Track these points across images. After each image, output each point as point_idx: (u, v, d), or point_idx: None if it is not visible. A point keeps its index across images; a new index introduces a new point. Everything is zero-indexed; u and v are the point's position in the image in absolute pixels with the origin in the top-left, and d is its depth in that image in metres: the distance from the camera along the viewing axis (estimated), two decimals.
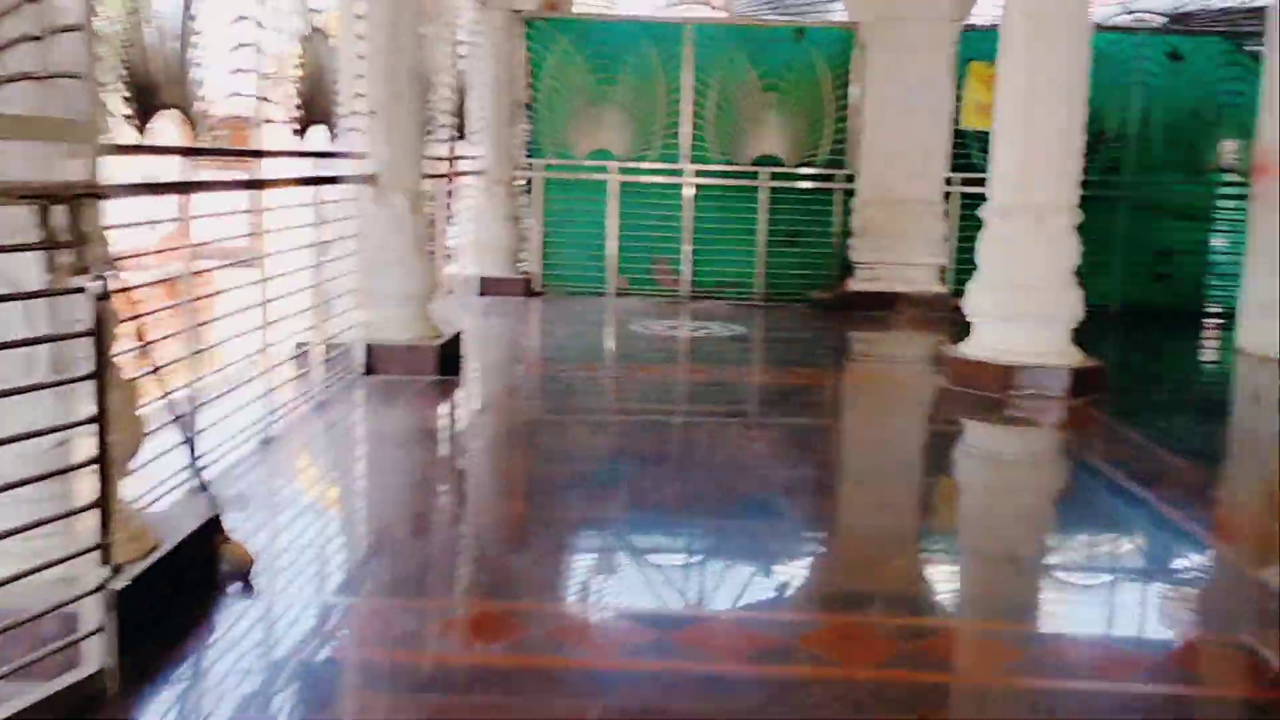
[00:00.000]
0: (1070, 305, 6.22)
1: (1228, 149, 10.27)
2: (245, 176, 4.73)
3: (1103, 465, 4.78)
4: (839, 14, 11.30)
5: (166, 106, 3.61)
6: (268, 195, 4.79)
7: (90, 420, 2.33)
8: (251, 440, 4.66)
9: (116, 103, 3.34)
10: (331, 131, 5.64)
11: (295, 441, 4.87)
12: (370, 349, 6.14)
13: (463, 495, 4.37)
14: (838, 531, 4.00)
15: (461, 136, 9.27)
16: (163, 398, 3.27)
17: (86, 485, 2.40)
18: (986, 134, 10.15)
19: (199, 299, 3.99)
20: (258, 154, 4.53)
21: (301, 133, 5.16)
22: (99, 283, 2.30)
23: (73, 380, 2.30)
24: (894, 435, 5.74)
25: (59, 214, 2.27)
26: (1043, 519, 4.39)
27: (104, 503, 2.37)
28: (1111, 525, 4.14)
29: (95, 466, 2.35)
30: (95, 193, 2.35)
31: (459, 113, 9.10)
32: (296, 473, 4.50)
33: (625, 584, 3.31)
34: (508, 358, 7.61)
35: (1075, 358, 6.25)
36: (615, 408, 5.95)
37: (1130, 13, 11.34)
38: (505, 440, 5.27)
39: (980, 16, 10.31)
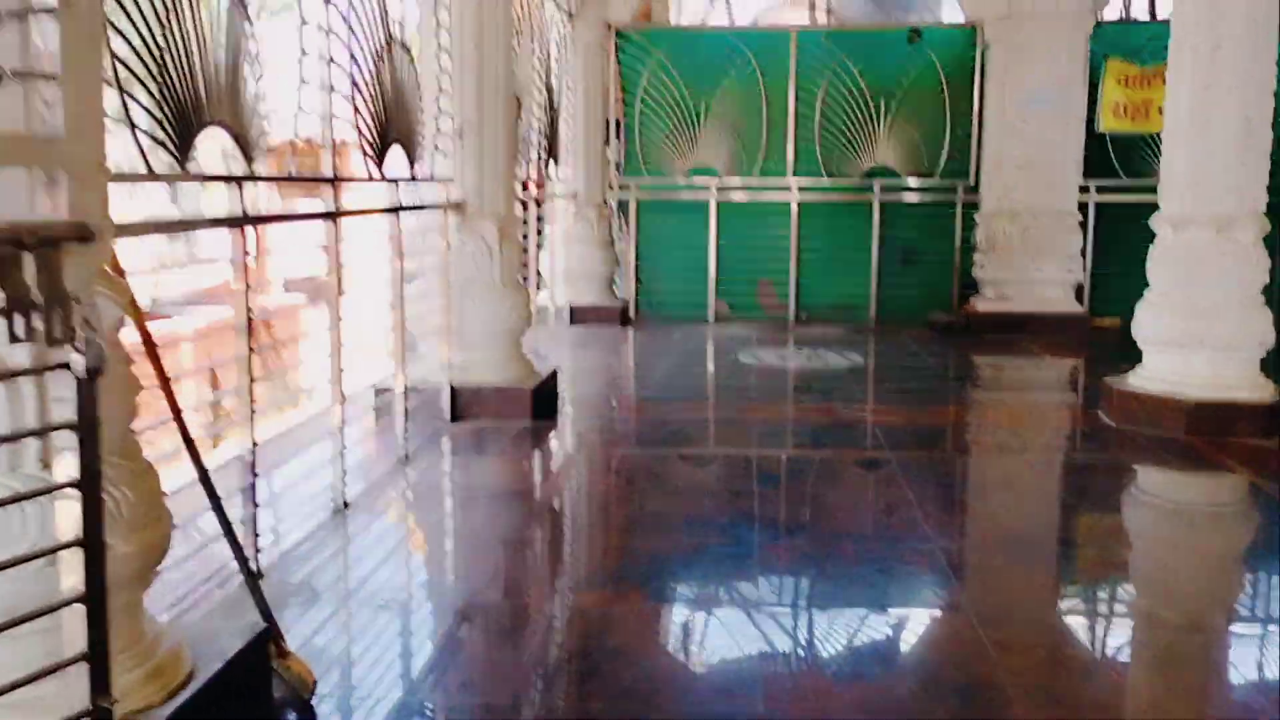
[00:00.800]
0: (1260, 330, 5.36)
1: None
2: (320, 207, 4.16)
3: None
4: (953, 13, 10.48)
5: (212, 125, 3.03)
6: (342, 227, 4.19)
7: (74, 544, 1.71)
8: (325, 508, 4.08)
9: (148, 122, 2.76)
10: (412, 155, 5.06)
11: (374, 507, 4.26)
12: (458, 392, 5.56)
13: (565, 582, 3.69)
14: (1030, 631, 3.22)
15: (551, 157, 8.69)
16: (200, 477, 2.66)
17: (76, 627, 1.79)
18: (1126, 137, 9.32)
19: (252, 350, 3.40)
20: (326, 180, 3.95)
21: (379, 156, 4.58)
22: (84, 356, 1.68)
23: (44, 492, 1.69)
24: (1064, 490, 4.90)
25: (28, 265, 1.66)
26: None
27: (96, 651, 1.75)
28: None
29: (82, 606, 1.72)
30: (81, 234, 1.74)
31: (549, 132, 8.52)
32: (374, 549, 3.87)
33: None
34: (606, 397, 6.94)
35: (1267, 390, 5.37)
36: (730, 457, 5.23)
37: None
38: (611, 505, 4.58)
39: (1119, 8, 9.45)
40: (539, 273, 8.64)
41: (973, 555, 3.88)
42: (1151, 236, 5.68)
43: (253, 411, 3.35)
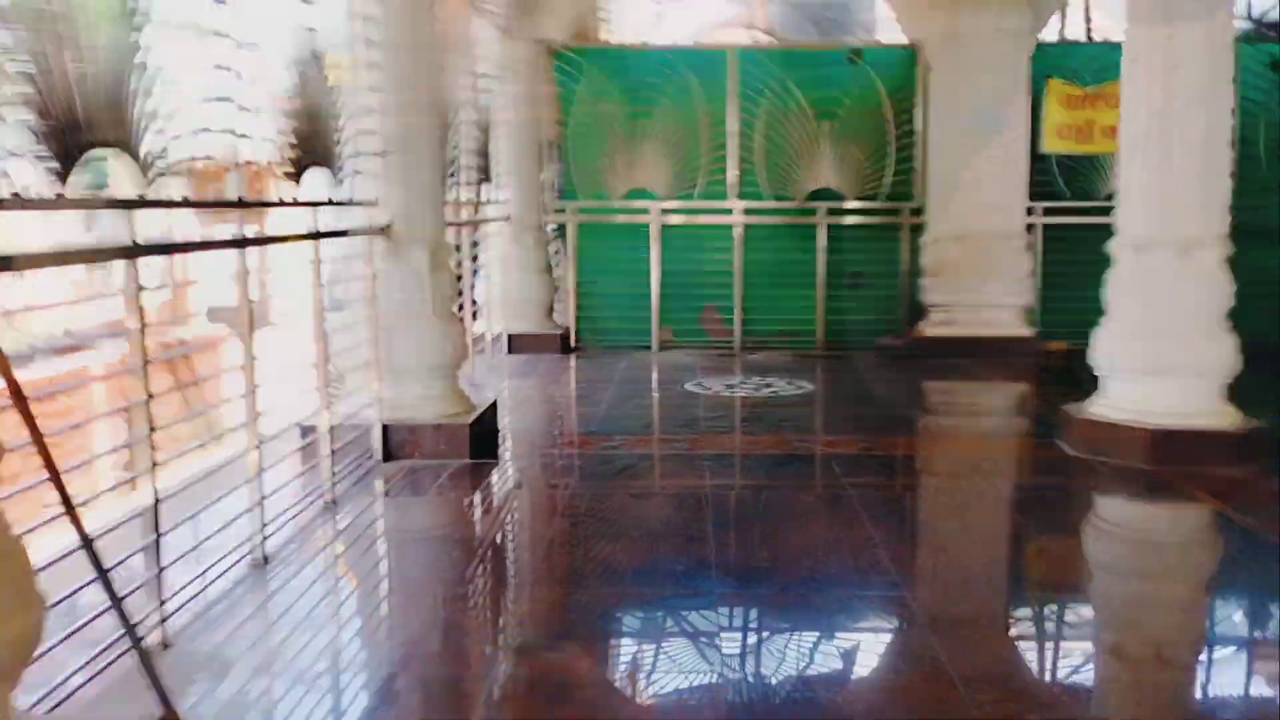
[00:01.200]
0: (1224, 356, 5.19)
1: None
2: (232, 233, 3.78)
3: None
4: (891, 33, 10.37)
5: (98, 145, 2.67)
6: (255, 254, 3.84)
7: None
8: (241, 563, 3.69)
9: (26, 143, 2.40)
10: (335, 175, 4.72)
11: (297, 559, 3.89)
12: (389, 430, 5.20)
13: (509, 645, 3.34)
14: (1011, 683, 2.96)
15: (486, 179, 8.36)
16: (84, 544, 2.30)
17: None
18: (1070, 158, 9.24)
19: (148, 394, 3.03)
20: (233, 205, 3.59)
21: (296, 177, 4.23)
22: None
23: None
24: (1032, 525, 4.65)
25: None
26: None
27: None
28: None
29: None
30: None
31: (483, 153, 8.19)
32: (295, 609, 3.50)
33: None
34: (549, 430, 6.60)
35: (1233, 418, 5.21)
36: (681, 495, 4.92)
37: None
38: (557, 552, 4.21)
39: (1056, 30, 9.39)
40: (475, 300, 8.29)
41: (947, 602, 3.61)
42: (1099, 257, 5.50)
43: (154, 463, 2.99)
